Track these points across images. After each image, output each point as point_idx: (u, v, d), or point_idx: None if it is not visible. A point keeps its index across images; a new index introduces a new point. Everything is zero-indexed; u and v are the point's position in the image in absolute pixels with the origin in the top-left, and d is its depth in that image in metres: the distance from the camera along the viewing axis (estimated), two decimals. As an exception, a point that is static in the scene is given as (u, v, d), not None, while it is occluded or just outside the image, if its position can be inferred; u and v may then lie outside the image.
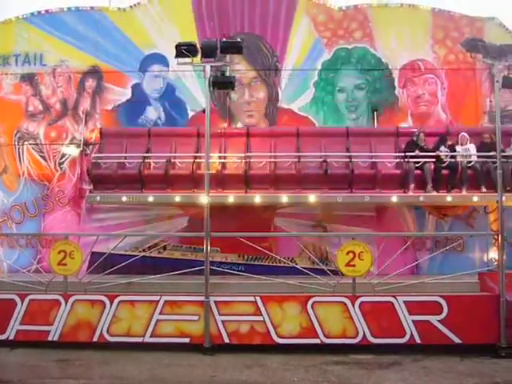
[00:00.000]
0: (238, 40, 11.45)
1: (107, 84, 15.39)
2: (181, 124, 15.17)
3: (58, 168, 15.19)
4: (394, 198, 12.87)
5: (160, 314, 10.11)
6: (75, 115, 15.36)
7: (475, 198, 12.71)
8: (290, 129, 14.38)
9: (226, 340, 9.99)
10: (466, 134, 13.15)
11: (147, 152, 13.68)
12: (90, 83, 15.43)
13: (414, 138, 13.14)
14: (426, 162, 12.71)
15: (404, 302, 9.91)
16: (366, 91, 15.12)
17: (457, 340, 9.71)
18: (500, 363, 9.23)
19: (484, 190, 12.53)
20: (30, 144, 15.31)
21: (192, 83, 15.11)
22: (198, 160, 13.11)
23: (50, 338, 10.11)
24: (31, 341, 10.08)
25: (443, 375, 8.57)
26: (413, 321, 9.82)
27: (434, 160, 12.76)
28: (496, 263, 10.66)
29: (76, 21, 15.47)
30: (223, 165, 13.36)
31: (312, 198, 12.90)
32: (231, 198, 12.95)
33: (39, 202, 15.02)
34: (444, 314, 9.81)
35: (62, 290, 10.34)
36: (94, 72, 15.40)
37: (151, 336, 10.05)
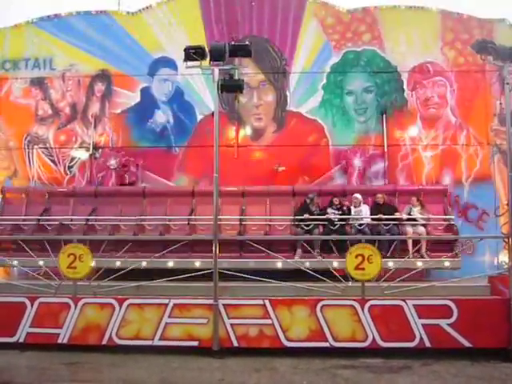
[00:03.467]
0: (247, 43, 11.45)
1: (116, 88, 15.44)
2: (189, 127, 15.18)
3: (68, 171, 15.28)
4: (279, 264, 11.89)
5: (169, 317, 10.11)
6: (84, 119, 15.47)
7: None
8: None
9: (235, 343, 9.97)
10: (358, 196, 12.68)
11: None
12: (99, 87, 15.52)
13: (307, 201, 12.67)
14: (315, 226, 12.25)
15: (414, 305, 9.85)
16: (374, 94, 15.09)
17: (467, 344, 9.64)
18: (511, 367, 9.15)
19: None
20: (39, 148, 15.40)
21: (200, 87, 15.16)
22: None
23: (59, 341, 10.13)
24: (41, 344, 10.11)
25: (453, 379, 8.54)
26: (422, 324, 9.75)
27: (323, 224, 12.31)
28: (506, 266, 10.58)
29: (85, 25, 15.57)
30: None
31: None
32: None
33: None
34: (454, 318, 9.74)
35: (71, 293, 10.37)
36: (103, 76, 15.50)
37: (160, 339, 10.04)
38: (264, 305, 10.03)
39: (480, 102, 14.88)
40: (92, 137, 15.25)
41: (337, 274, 10.54)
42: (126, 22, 15.56)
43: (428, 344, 9.71)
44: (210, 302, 10.04)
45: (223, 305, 10.06)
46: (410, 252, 11.88)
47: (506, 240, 10.49)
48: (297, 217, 12.48)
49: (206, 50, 10.51)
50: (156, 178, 15.01)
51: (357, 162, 14.52)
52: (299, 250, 12.17)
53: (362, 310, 9.89)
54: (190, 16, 15.39)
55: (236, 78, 10.88)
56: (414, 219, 12.34)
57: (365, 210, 12.65)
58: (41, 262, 11.63)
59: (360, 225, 12.21)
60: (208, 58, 10.55)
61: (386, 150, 14.67)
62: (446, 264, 11.86)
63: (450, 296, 10.04)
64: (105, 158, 14.97)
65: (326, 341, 9.84)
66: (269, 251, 11.64)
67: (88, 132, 15.36)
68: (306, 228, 12.25)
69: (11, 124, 15.59)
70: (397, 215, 12.31)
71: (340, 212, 12.48)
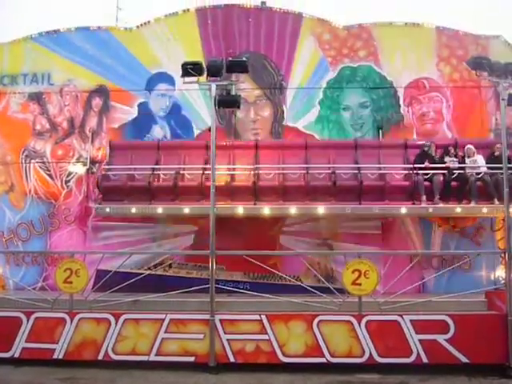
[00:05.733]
0: (244, 59, 11.54)
1: (114, 103, 15.50)
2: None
3: (65, 186, 15.27)
4: (403, 210, 12.92)
5: (165, 332, 10.06)
6: (82, 134, 15.50)
7: (484, 210, 12.70)
8: (299, 141, 14.44)
9: (232, 359, 9.92)
10: (471, 147, 13.15)
11: (156, 164, 13.76)
12: (97, 102, 15.57)
13: (425, 149, 13.21)
14: (435, 174, 12.74)
15: (410, 320, 9.83)
16: (371, 109, 15.16)
17: (464, 360, 9.61)
18: (509, 383, 9.12)
19: (496, 202, 12.43)
20: (36, 162, 15.41)
21: (198, 102, 15.22)
22: (206, 172, 13.04)
23: (55, 356, 10.07)
24: (36, 359, 10.05)
25: (450, 395, 8.52)
26: (419, 340, 9.73)
27: (443, 172, 12.78)
28: (503, 282, 10.58)
29: (83, 40, 15.67)
30: (232, 176, 13.41)
31: (321, 209, 12.95)
32: (240, 209, 12.99)
33: (45, 220, 15.07)
34: (451, 334, 9.71)
35: (67, 308, 10.33)
36: (101, 91, 15.55)
37: (156, 354, 9.99)
38: (261, 320, 10.00)
39: (476, 117, 14.97)
40: (89, 151, 15.27)
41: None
42: (123, 38, 15.66)
43: (425, 360, 9.67)
44: (207, 317, 10.01)
45: (220, 320, 10.02)
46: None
47: (503, 255, 10.51)
48: (416, 165, 12.96)
49: (204, 65, 10.58)
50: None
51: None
52: (423, 197, 12.67)
53: (359, 325, 9.87)
54: (188, 32, 15.51)
55: (233, 93, 10.94)
56: None
57: (480, 159, 13.06)
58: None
59: (478, 173, 12.73)
60: (205, 74, 10.61)
61: (382, 165, 14.70)
62: None
63: (447, 311, 10.01)
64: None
65: (323, 356, 9.80)
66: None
67: (85, 147, 15.38)
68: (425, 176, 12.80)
69: (9, 138, 15.61)
70: None
71: (457, 159, 13.03)
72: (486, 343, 9.62)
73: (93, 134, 15.41)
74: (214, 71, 10.60)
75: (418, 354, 9.69)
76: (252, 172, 13.31)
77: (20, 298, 10.95)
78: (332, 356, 9.80)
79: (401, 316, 9.88)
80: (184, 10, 15.74)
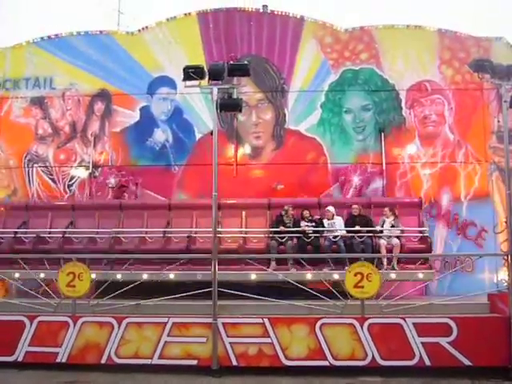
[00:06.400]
0: (245, 62, 11.55)
1: (116, 107, 15.54)
2: (188, 146, 15.24)
3: (67, 190, 15.29)
4: (253, 276, 11.97)
5: (168, 335, 10.08)
6: (84, 138, 15.53)
7: (336, 276, 11.49)
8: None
9: (234, 362, 9.93)
10: (331, 209, 12.70)
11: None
12: (99, 106, 15.61)
13: (282, 213, 12.68)
14: (289, 238, 12.19)
15: (413, 323, 9.83)
16: (373, 112, 15.16)
17: (467, 362, 9.61)
18: (511, 386, 9.14)
19: (346, 267, 10.84)
20: (39, 166, 15.43)
21: (199, 106, 15.25)
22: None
23: (58, 360, 10.10)
24: (40, 362, 10.07)
25: (453, 398, 8.51)
26: (422, 343, 9.73)
27: (297, 236, 12.24)
28: (506, 284, 10.57)
29: (85, 45, 15.71)
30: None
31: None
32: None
33: (48, 224, 15.06)
34: (453, 336, 9.72)
35: (70, 312, 10.35)
36: (103, 95, 15.60)
37: (159, 358, 10.01)
38: (263, 323, 10.01)
39: (478, 119, 14.95)
40: (91, 155, 15.31)
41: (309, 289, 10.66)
42: (125, 42, 15.69)
43: (428, 362, 9.67)
44: (209, 320, 10.02)
45: (222, 323, 10.04)
46: (385, 264, 11.91)
47: (506, 258, 10.49)
48: (272, 229, 12.56)
49: (205, 69, 10.60)
50: (155, 197, 15.02)
51: (355, 179, 14.57)
52: (273, 263, 12.07)
53: (362, 328, 9.87)
54: (189, 35, 15.52)
55: (235, 96, 10.96)
56: (388, 230, 12.35)
57: (338, 222, 12.64)
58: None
59: (334, 237, 12.20)
60: (207, 78, 10.63)
61: (384, 167, 14.69)
62: (420, 276, 11.86)
63: (450, 314, 10.02)
64: (104, 177, 15.02)
65: (326, 359, 9.81)
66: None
67: (87, 151, 15.42)
68: (280, 240, 12.25)
69: (11, 143, 15.66)
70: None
71: (313, 224, 12.47)
72: (489, 346, 9.62)
73: (95, 138, 15.46)
74: (215, 75, 10.63)
75: (421, 356, 9.69)
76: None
77: (23, 302, 10.97)
78: (335, 359, 9.81)
79: (403, 319, 9.89)
80: (185, 14, 15.75)
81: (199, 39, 15.48)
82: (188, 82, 10.74)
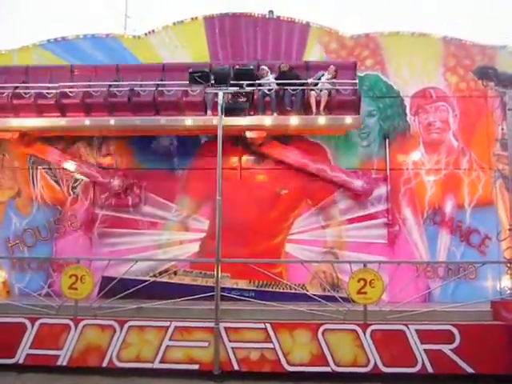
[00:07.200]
0: (251, 67, 11.57)
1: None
2: (193, 149, 15.21)
3: (71, 192, 15.29)
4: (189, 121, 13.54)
5: (170, 339, 10.08)
6: (89, 140, 15.50)
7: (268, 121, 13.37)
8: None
9: (236, 367, 9.92)
10: (265, 67, 13.84)
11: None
12: (105, 109, 15.56)
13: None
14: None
15: (416, 330, 9.82)
16: (377, 118, 15.14)
17: (469, 370, 9.58)
18: (514, 394, 9.11)
19: (275, 114, 13.31)
20: (43, 168, 15.44)
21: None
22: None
23: (59, 363, 10.10)
24: (40, 365, 10.06)
25: (456, 406, 8.48)
26: (424, 350, 9.72)
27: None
28: (509, 292, 10.55)
29: (92, 48, 15.71)
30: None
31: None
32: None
33: (51, 226, 15.08)
34: (456, 343, 9.70)
35: (72, 315, 10.35)
36: (109, 98, 15.56)
37: (161, 362, 10.01)
38: (265, 328, 10.00)
39: (482, 127, 14.90)
40: (96, 158, 15.31)
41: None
42: (132, 46, 15.70)
43: (430, 370, 9.65)
44: (211, 324, 10.02)
45: (224, 328, 10.03)
46: (313, 109, 13.25)
47: (509, 265, 10.48)
48: None
49: (211, 73, 10.62)
50: (159, 200, 15.01)
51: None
52: (209, 112, 13.15)
53: (364, 334, 9.86)
54: (196, 39, 15.54)
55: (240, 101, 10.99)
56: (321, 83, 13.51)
57: (272, 77, 13.73)
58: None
59: (269, 90, 13.34)
60: (212, 82, 10.65)
61: (388, 174, 14.68)
62: (348, 121, 13.37)
63: (453, 321, 10.00)
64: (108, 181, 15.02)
65: (328, 365, 9.80)
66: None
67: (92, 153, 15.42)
68: None
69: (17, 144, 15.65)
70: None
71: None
72: (492, 353, 9.61)
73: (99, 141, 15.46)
74: (220, 79, 10.64)
75: (423, 363, 9.68)
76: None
77: (25, 304, 10.98)
78: (337, 365, 9.80)
79: (406, 325, 9.87)
80: (192, 18, 15.76)
81: (205, 43, 15.50)
82: (193, 86, 10.77)
